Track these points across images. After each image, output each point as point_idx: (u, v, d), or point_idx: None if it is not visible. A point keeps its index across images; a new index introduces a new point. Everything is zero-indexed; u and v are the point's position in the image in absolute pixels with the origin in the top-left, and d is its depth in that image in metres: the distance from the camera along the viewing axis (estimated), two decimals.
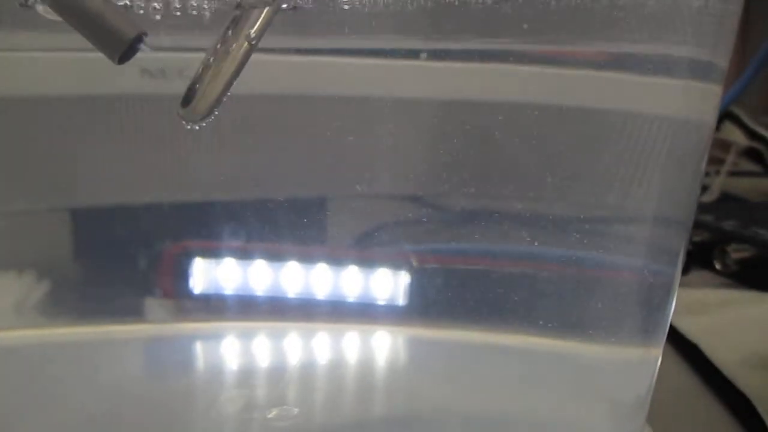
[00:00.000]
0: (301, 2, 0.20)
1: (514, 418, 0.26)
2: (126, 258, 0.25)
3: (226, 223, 0.25)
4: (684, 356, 0.38)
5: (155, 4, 0.19)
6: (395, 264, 0.26)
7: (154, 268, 0.25)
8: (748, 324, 0.41)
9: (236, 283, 0.26)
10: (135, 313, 0.26)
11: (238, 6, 0.18)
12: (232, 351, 0.27)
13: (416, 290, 0.26)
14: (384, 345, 0.27)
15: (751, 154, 0.71)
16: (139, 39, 0.17)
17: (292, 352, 0.27)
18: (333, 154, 0.24)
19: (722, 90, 0.25)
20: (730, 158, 0.67)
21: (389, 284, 0.26)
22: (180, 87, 0.19)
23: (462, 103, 0.24)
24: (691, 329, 0.39)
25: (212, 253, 0.25)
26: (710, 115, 0.25)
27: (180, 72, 0.21)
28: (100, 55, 0.17)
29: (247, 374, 0.27)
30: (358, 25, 0.21)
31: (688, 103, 0.24)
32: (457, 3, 0.21)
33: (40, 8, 0.18)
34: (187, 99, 0.19)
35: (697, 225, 0.50)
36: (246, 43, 0.18)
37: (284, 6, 0.19)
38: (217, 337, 0.27)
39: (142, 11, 0.19)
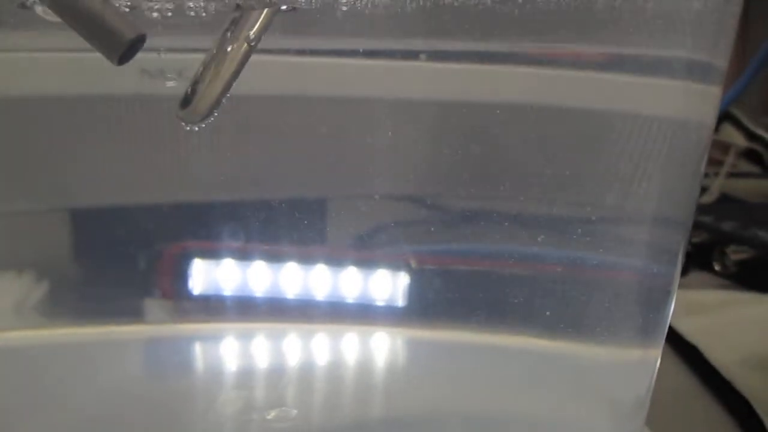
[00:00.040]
0: (300, 3, 0.20)
1: (513, 418, 0.26)
2: (125, 259, 0.25)
3: (225, 223, 0.25)
4: (683, 357, 0.38)
5: (156, 6, 0.19)
6: (394, 265, 0.26)
7: (154, 268, 0.25)
8: (747, 325, 0.41)
9: (235, 284, 0.26)
10: (134, 314, 0.26)
11: (238, 7, 0.19)
12: (232, 352, 0.27)
13: (415, 291, 0.26)
14: (383, 346, 0.27)
15: (750, 155, 0.71)
16: (138, 40, 0.17)
17: (292, 353, 0.27)
18: (332, 155, 0.24)
19: (721, 91, 0.25)
20: (730, 159, 0.67)
21: (388, 285, 0.26)
22: (179, 88, 0.19)
23: (461, 104, 0.24)
24: (690, 330, 0.39)
25: (212, 253, 0.25)
26: (709, 116, 0.25)
27: (180, 73, 0.21)
28: (99, 55, 0.17)
29: (246, 375, 0.27)
30: (357, 26, 0.21)
31: (688, 104, 0.24)
32: (456, 4, 0.21)
33: (40, 9, 0.18)
34: (187, 100, 0.19)
35: (697, 226, 0.50)
36: (245, 44, 0.18)
37: (283, 7, 0.19)
38: (217, 337, 0.27)
39: (156, 13, 0.19)
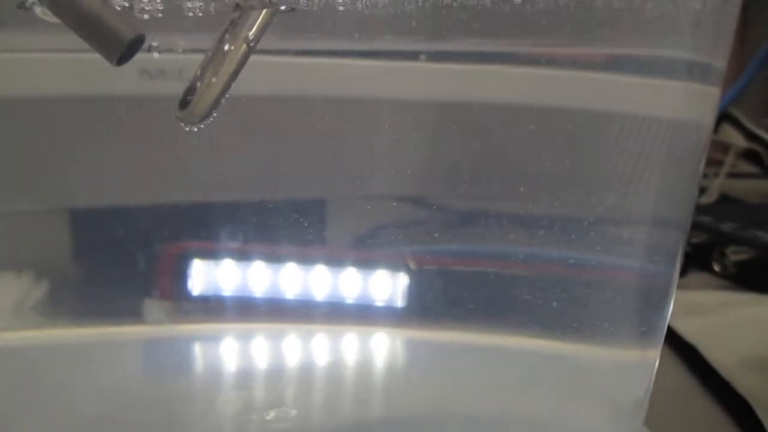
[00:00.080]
0: (299, 4, 0.20)
1: (513, 419, 0.26)
2: (125, 259, 0.25)
3: (225, 224, 0.25)
4: (682, 358, 0.38)
5: (155, 6, 0.19)
6: (394, 265, 0.26)
7: (153, 269, 0.25)
8: (746, 326, 0.41)
9: (235, 285, 0.26)
10: (134, 314, 0.26)
11: (237, 7, 0.19)
12: (231, 352, 0.27)
13: (415, 291, 0.26)
14: (383, 346, 0.27)
15: (749, 155, 0.71)
16: (137, 41, 0.17)
17: (291, 353, 0.27)
18: (331, 155, 0.24)
19: (721, 91, 0.25)
20: (729, 160, 0.67)
21: (388, 285, 0.26)
22: (179, 88, 0.19)
23: (460, 105, 0.24)
24: (689, 331, 0.39)
25: (211, 254, 0.25)
26: (708, 117, 0.25)
27: (179, 73, 0.21)
28: (99, 55, 0.17)
29: (245, 376, 0.27)
30: (356, 26, 0.21)
31: (687, 104, 0.24)
32: (455, 4, 0.21)
33: (38, 10, 0.18)
34: (186, 101, 0.19)
35: (696, 227, 0.50)
36: (244, 44, 0.18)
37: (282, 8, 0.19)
38: (216, 338, 0.27)
39: (155, 14, 0.19)
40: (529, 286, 0.25)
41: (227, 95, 0.19)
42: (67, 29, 0.17)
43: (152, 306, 0.26)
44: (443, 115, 0.24)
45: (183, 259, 0.25)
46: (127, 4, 0.19)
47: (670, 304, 0.26)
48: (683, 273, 0.49)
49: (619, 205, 0.25)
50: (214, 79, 0.19)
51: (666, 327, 0.26)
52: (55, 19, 0.17)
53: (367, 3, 0.21)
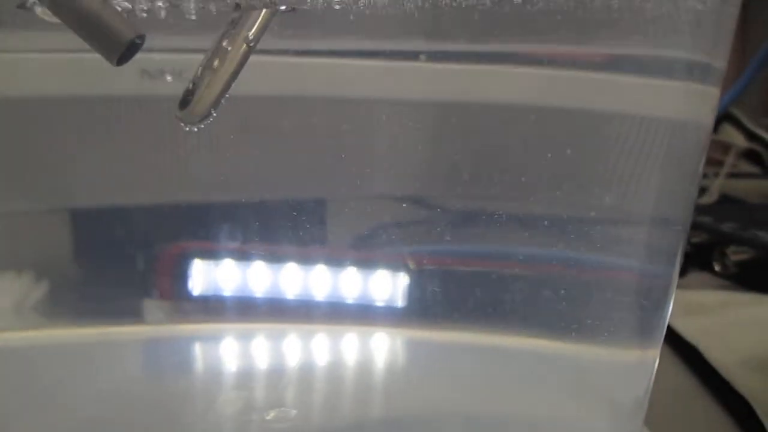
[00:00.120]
0: (299, 4, 0.20)
1: (512, 419, 0.26)
2: (125, 259, 0.25)
3: (224, 224, 0.25)
4: (682, 358, 0.38)
5: (155, 6, 0.19)
6: (394, 265, 0.26)
7: (153, 269, 0.25)
8: (746, 326, 0.41)
9: (235, 285, 0.26)
10: (134, 314, 0.26)
11: (237, 8, 0.19)
12: (231, 352, 0.27)
13: (415, 291, 0.26)
14: (383, 346, 0.27)
15: (750, 155, 0.71)
16: (137, 41, 0.17)
17: (291, 353, 0.27)
18: (331, 155, 0.24)
19: (721, 91, 0.25)
20: (730, 160, 0.67)
21: (388, 285, 0.26)
22: (179, 88, 0.19)
23: (460, 105, 0.24)
24: (689, 331, 0.39)
25: (211, 254, 0.25)
26: (708, 117, 0.25)
27: (180, 73, 0.21)
28: (99, 55, 0.17)
29: (245, 376, 0.27)
30: (356, 26, 0.21)
31: (686, 104, 0.24)
32: (454, 4, 0.21)
33: (39, 10, 0.18)
34: (185, 101, 0.19)
35: (696, 226, 0.50)
36: (244, 44, 0.19)
37: (282, 8, 0.19)
38: (216, 338, 0.27)
39: (155, 13, 0.19)
40: (529, 286, 0.25)
41: (227, 95, 0.19)
42: (67, 29, 0.17)
43: (152, 306, 0.26)
44: (443, 115, 0.24)
45: (183, 259, 0.25)
46: (128, 5, 0.19)
47: (669, 303, 0.26)
48: (684, 273, 0.49)
49: (619, 205, 0.25)
50: (213, 79, 0.19)
51: (666, 327, 0.26)
52: (55, 19, 0.17)
53: (367, 3, 0.21)
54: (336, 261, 0.26)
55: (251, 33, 0.19)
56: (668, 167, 0.25)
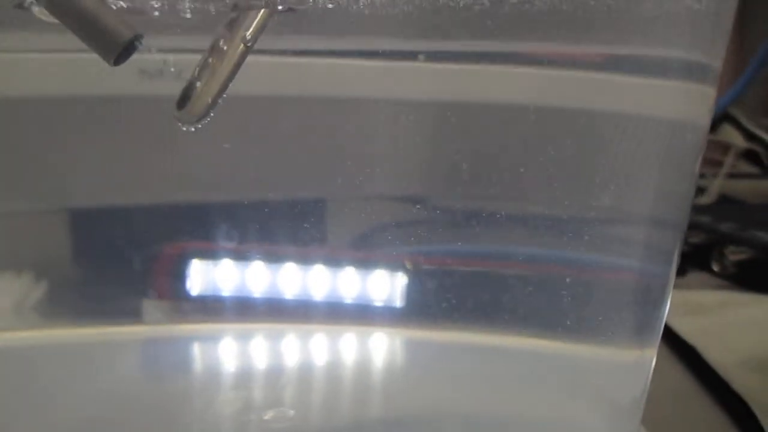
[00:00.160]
0: (297, 4, 0.20)
1: (509, 419, 0.26)
2: (124, 259, 0.25)
3: (223, 224, 0.25)
4: (681, 358, 0.38)
5: (153, 5, 0.19)
6: (393, 265, 0.26)
7: (152, 269, 0.25)
8: (745, 326, 0.41)
9: (234, 285, 0.26)
10: (133, 315, 0.26)
11: (235, 7, 0.19)
12: (230, 352, 0.27)
13: (414, 291, 0.26)
14: (382, 346, 0.27)
15: (749, 156, 0.71)
16: (135, 40, 0.17)
17: (290, 353, 0.27)
18: (330, 155, 0.24)
19: (719, 91, 0.25)
20: (729, 160, 0.67)
21: (387, 285, 0.26)
22: (178, 88, 0.19)
23: (458, 105, 0.24)
24: (688, 331, 0.39)
25: (210, 254, 0.25)
26: (704, 117, 0.25)
27: (178, 73, 0.21)
28: (97, 56, 0.17)
29: (244, 376, 0.27)
30: (355, 26, 0.21)
31: (683, 104, 0.24)
32: (451, 4, 0.21)
33: (36, 10, 0.18)
34: (183, 101, 0.19)
35: (695, 227, 0.50)
36: (242, 44, 0.19)
37: (280, 8, 0.19)
38: (215, 338, 0.27)
39: (153, 13, 0.19)
40: (526, 286, 0.25)
41: (225, 95, 0.19)
42: (65, 29, 0.17)
43: (151, 306, 0.26)
44: (442, 115, 0.24)
45: (182, 259, 0.25)
46: (123, 4, 0.19)
47: (666, 303, 0.26)
48: (682, 273, 0.49)
49: (616, 205, 0.25)
50: (211, 80, 0.19)
51: (663, 326, 0.26)
52: (52, 19, 0.17)
53: (366, 3, 0.21)
54: (335, 261, 0.26)
55: (249, 33, 0.19)
56: (665, 167, 0.25)
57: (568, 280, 0.25)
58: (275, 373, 0.27)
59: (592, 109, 0.24)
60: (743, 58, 0.66)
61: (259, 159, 0.25)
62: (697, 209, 0.53)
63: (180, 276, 0.25)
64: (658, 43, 0.23)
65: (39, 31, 0.20)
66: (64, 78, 0.23)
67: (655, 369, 0.26)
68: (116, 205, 0.25)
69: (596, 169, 0.24)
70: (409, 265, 0.25)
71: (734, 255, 0.49)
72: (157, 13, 0.19)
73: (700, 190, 0.61)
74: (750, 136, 0.71)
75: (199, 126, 0.19)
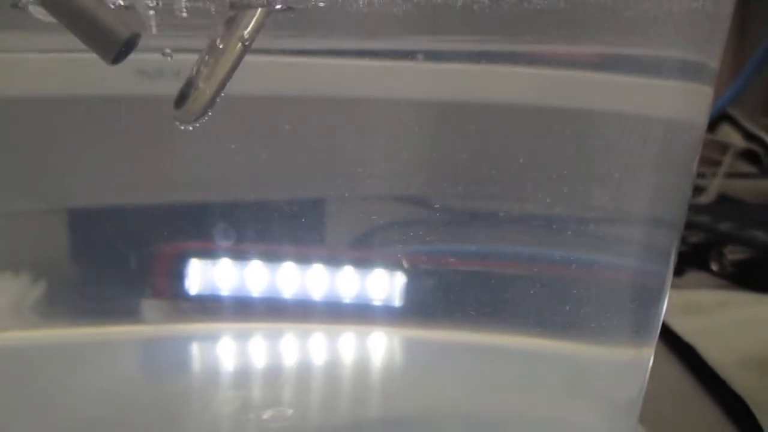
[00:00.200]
0: (295, 3, 0.20)
1: (507, 418, 0.26)
2: (123, 259, 0.25)
3: (222, 223, 0.25)
4: (679, 357, 0.38)
5: (151, 4, 0.19)
6: (392, 265, 0.26)
7: (151, 269, 0.25)
8: (744, 325, 0.41)
9: (232, 284, 0.26)
10: (132, 314, 0.26)
11: (232, 7, 0.19)
12: (228, 352, 0.27)
13: (412, 291, 0.26)
14: (380, 346, 0.27)
15: (748, 155, 0.71)
16: (132, 39, 0.17)
17: (288, 353, 0.27)
18: (329, 155, 0.24)
19: (717, 91, 0.25)
20: (727, 160, 0.67)
21: (386, 285, 0.26)
22: (177, 89, 0.19)
23: (458, 105, 0.24)
24: (686, 330, 0.39)
25: (209, 254, 0.25)
26: (702, 116, 0.25)
27: (177, 73, 0.21)
28: (96, 55, 0.17)
29: (243, 375, 0.27)
30: (353, 25, 0.21)
31: (681, 103, 0.24)
32: (450, 3, 0.21)
33: (32, 9, 0.18)
34: (181, 100, 0.19)
35: (694, 226, 0.50)
36: (239, 43, 0.19)
37: (278, 7, 0.19)
38: (214, 338, 0.27)
39: (151, 12, 0.19)
40: (524, 286, 0.25)
41: (223, 94, 0.19)
42: (64, 29, 0.17)
43: (150, 306, 0.26)
44: (442, 115, 0.24)
45: (181, 258, 0.25)
46: (122, 3, 0.19)
47: (664, 302, 0.26)
48: (681, 272, 0.49)
49: (613, 205, 0.25)
50: (209, 79, 0.19)
51: (660, 326, 0.26)
52: (50, 18, 0.17)
53: (365, 2, 0.21)
54: (334, 260, 0.26)
55: (247, 32, 0.19)
56: (662, 166, 0.25)
57: (565, 279, 0.25)
58: (274, 372, 0.27)
59: (590, 108, 0.24)
60: (742, 58, 0.66)
61: (258, 159, 0.25)
62: (695, 209, 0.53)
63: (179, 276, 0.25)
64: (656, 42, 0.23)
65: (38, 31, 0.20)
66: (63, 78, 0.23)
67: (653, 368, 0.26)
68: (115, 205, 0.25)
69: (594, 169, 0.24)
70: (410, 265, 0.25)
71: (733, 255, 0.49)
72: (153, 13, 0.19)
73: (699, 190, 0.61)
74: (749, 136, 0.71)
75: (197, 125, 0.19)
